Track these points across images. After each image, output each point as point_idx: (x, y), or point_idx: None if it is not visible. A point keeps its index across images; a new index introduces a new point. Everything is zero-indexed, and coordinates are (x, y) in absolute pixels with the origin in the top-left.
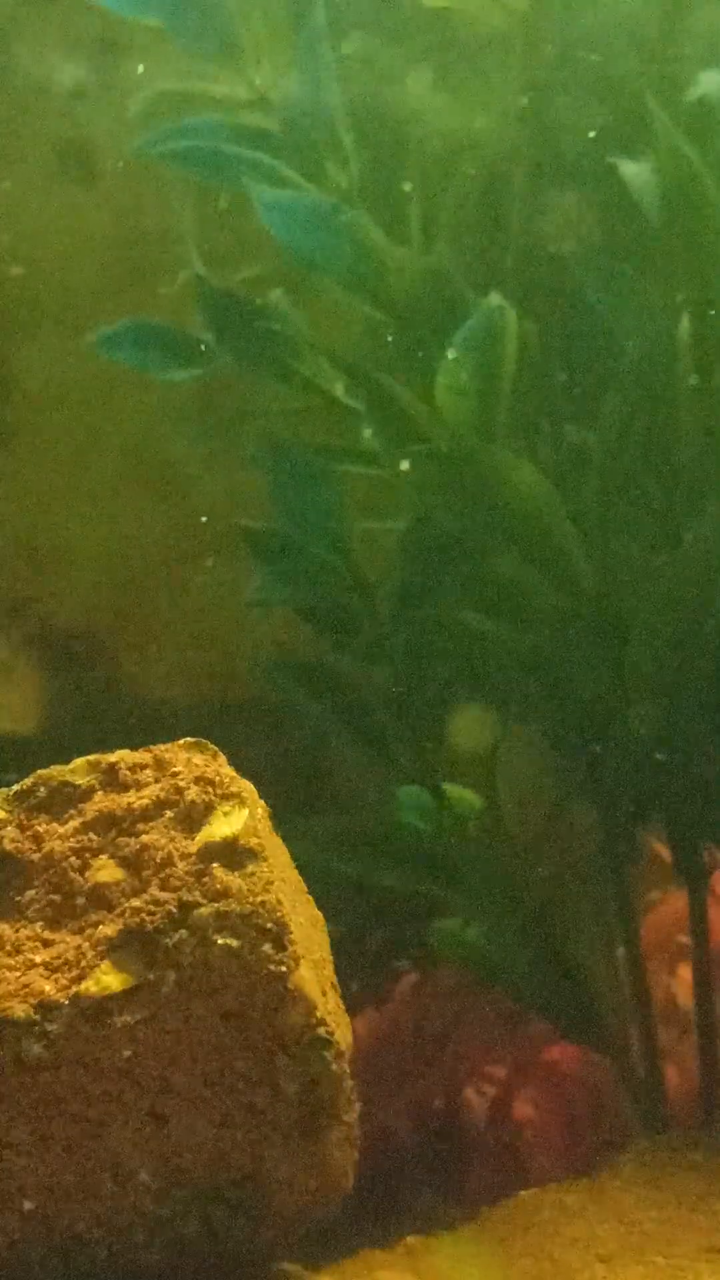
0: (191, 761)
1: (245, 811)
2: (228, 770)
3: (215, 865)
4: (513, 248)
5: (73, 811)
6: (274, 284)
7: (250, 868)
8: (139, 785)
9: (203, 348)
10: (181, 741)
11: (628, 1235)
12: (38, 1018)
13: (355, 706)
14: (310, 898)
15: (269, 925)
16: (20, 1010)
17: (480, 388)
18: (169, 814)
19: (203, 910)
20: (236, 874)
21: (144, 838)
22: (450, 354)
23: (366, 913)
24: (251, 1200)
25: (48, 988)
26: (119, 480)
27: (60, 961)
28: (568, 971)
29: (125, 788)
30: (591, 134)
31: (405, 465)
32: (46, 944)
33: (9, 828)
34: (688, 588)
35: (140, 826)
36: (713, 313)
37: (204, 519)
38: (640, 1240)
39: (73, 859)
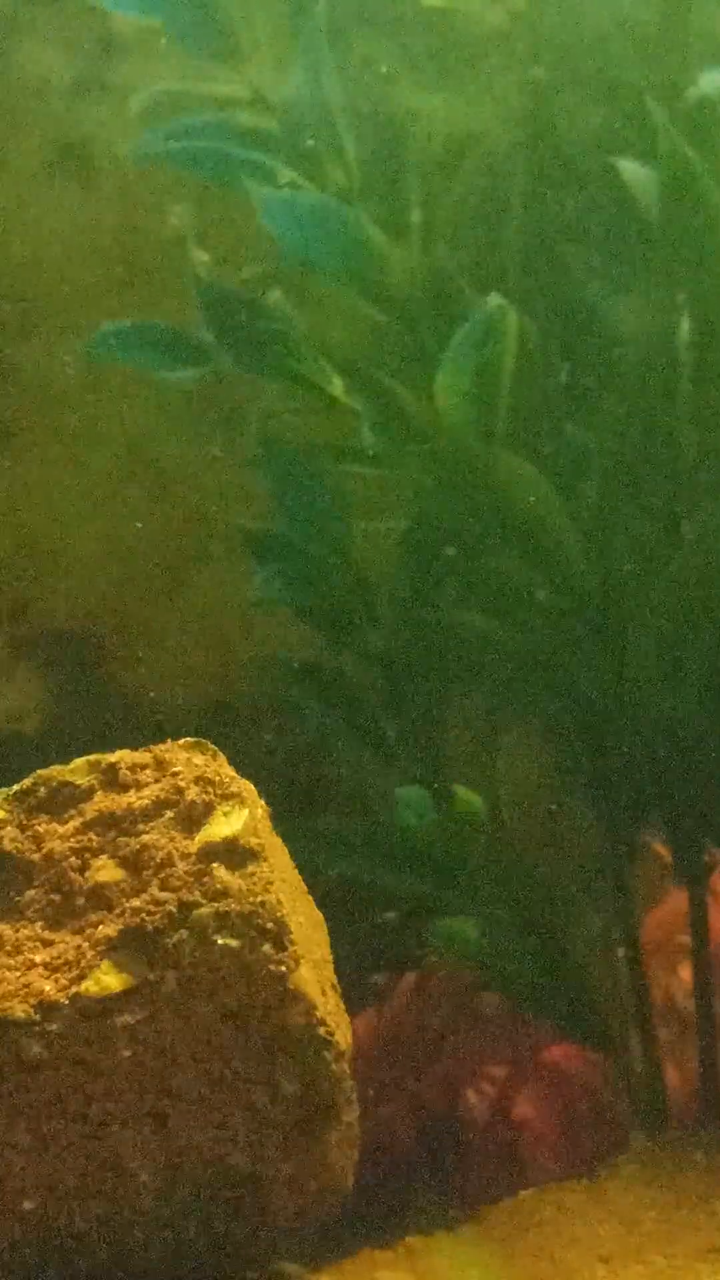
0: (191, 761)
1: (245, 811)
2: (228, 770)
3: (215, 865)
4: (513, 248)
5: (73, 811)
6: (274, 284)
7: (250, 868)
8: (139, 785)
9: (202, 348)
10: (181, 741)
11: (628, 1235)
12: (38, 1018)
13: (355, 706)
14: (310, 898)
15: (269, 925)
16: (20, 1010)
17: (480, 387)
18: (169, 814)
19: (203, 910)
20: (236, 874)
21: (144, 838)
22: (450, 354)
23: (366, 913)
24: (251, 1200)
25: (48, 988)
26: (118, 480)
27: (60, 961)
28: (568, 971)
29: (125, 788)
30: (591, 134)
31: (405, 465)
32: (46, 944)
33: (9, 828)
34: (688, 588)
35: (140, 826)
36: (713, 312)
37: (204, 519)
38: (640, 1240)
39: (73, 859)
